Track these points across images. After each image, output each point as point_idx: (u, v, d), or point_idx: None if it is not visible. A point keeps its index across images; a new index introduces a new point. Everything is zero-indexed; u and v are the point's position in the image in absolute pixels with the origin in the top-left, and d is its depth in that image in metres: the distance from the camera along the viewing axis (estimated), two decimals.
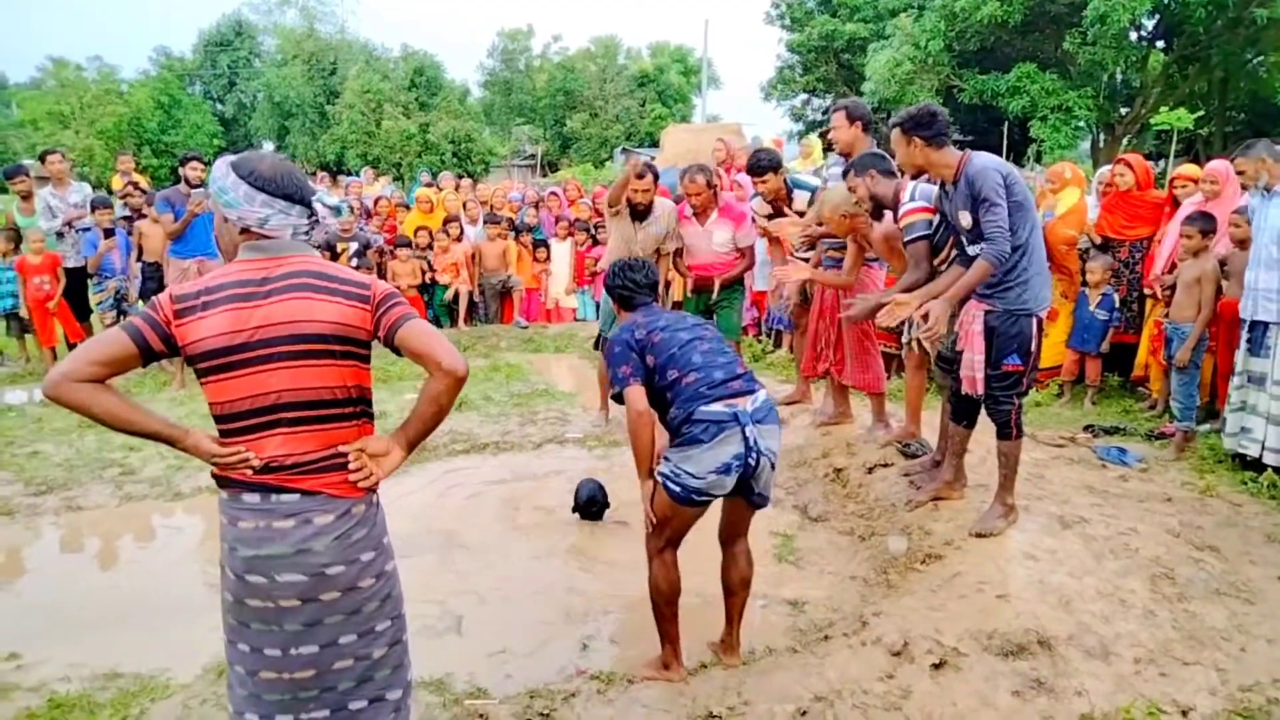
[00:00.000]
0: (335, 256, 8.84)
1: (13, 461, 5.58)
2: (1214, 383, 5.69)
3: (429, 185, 12.05)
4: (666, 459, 2.99)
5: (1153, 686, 2.88)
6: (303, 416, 2.08)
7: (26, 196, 8.20)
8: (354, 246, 9.03)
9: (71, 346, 7.90)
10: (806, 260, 5.41)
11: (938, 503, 4.23)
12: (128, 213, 8.34)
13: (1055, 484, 4.51)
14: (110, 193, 9.22)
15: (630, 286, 3.29)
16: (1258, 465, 4.73)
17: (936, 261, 4.13)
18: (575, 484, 4.85)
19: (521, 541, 4.54)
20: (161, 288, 7.65)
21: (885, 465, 4.86)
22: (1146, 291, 6.22)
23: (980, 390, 3.79)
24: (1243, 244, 5.16)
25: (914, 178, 4.05)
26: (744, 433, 2.89)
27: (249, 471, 2.08)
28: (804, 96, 32.78)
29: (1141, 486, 4.60)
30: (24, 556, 4.50)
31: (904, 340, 5.10)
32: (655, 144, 29.01)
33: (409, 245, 9.55)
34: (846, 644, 3.22)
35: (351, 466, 2.13)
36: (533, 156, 37.98)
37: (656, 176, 5.82)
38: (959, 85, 23.00)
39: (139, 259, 7.93)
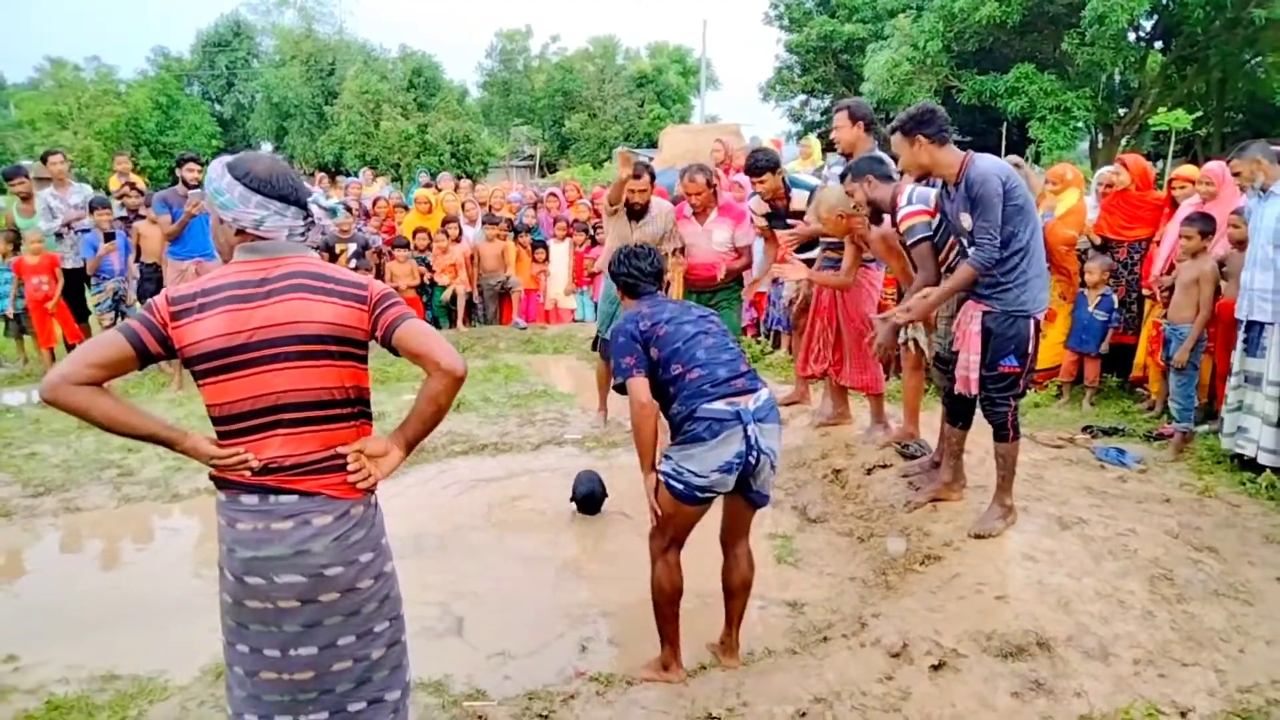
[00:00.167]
0: (334, 257, 8.83)
1: (10, 463, 5.58)
2: (1213, 383, 5.69)
3: (428, 186, 12.05)
4: (668, 457, 2.99)
5: (1152, 688, 2.88)
6: (301, 418, 2.08)
7: (26, 198, 8.20)
8: (353, 247, 9.02)
9: (70, 348, 7.90)
10: (810, 263, 5.40)
11: (936, 504, 4.23)
12: (124, 213, 8.33)
13: (1054, 485, 4.50)
14: (107, 193, 9.21)
15: (635, 274, 3.28)
16: (1256, 466, 4.73)
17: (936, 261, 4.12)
18: (579, 473, 4.86)
19: (520, 543, 4.54)
20: (160, 288, 7.64)
21: (884, 466, 4.85)
22: (1145, 292, 6.22)
23: (973, 390, 3.78)
24: (1241, 245, 5.17)
25: (919, 180, 4.04)
26: (745, 431, 2.89)
27: (248, 473, 2.08)
28: (802, 97, 32.80)
29: (1140, 487, 4.60)
30: (22, 558, 4.50)
31: (900, 340, 5.10)
32: (654, 144, 29.00)
33: (407, 246, 9.54)
34: (845, 645, 3.22)
35: (350, 467, 2.12)
36: (531, 157, 37.99)
37: (653, 176, 5.82)
38: (957, 86, 23.02)
39: (137, 260, 7.92)
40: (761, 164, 5.46)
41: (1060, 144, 21.00)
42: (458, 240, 9.84)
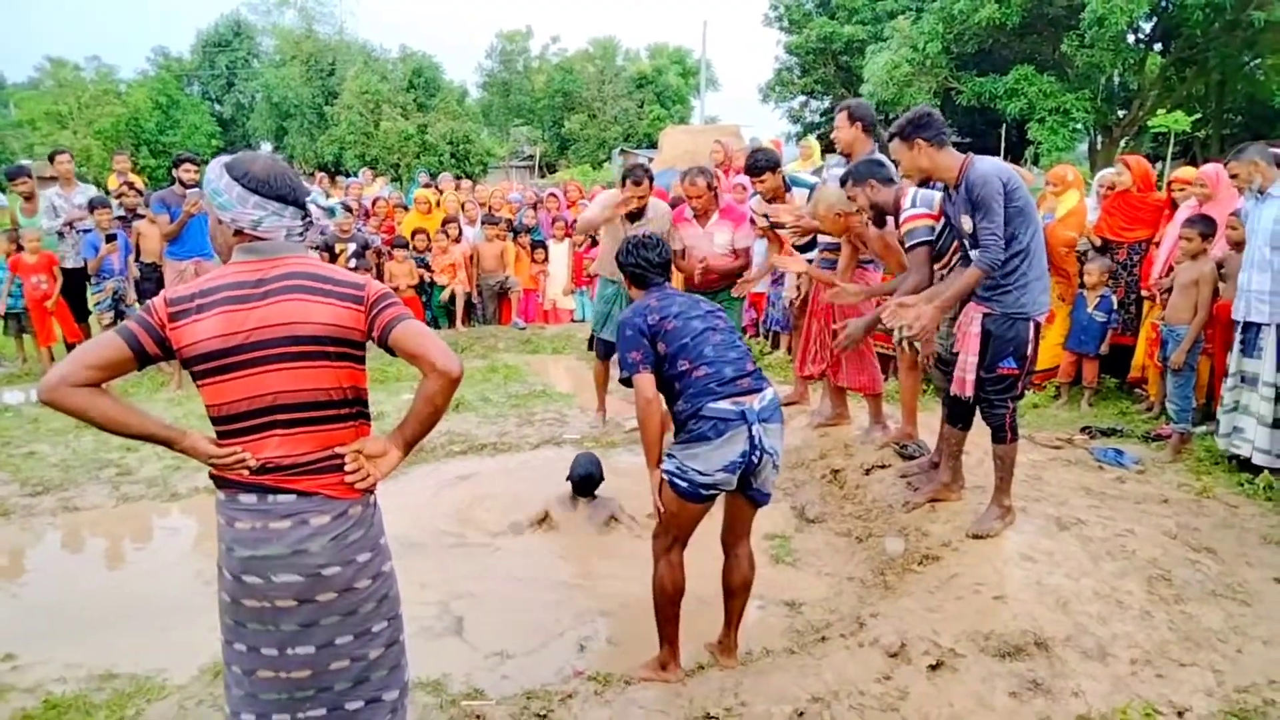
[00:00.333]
0: (334, 257, 8.83)
1: (9, 462, 5.58)
2: (1211, 384, 5.70)
3: (427, 186, 12.04)
4: (671, 455, 2.98)
5: (1149, 688, 2.89)
6: (299, 418, 2.09)
7: (29, 197, 8.19)
8: (352, 247, 9.01)
9: (70, 347, 7.90)
10: (809, 260, 5.40)
11: (935, 504, 4.23)
12: (123, 213, 8.33)
13: (1052, 485, 4.51)
14: (106, 193, 9.21)
15: (643, 264, 3.25)
16: (1254, 467, 4.73)
17: (939, 266, 4.12)
18: (577, 456, 4.84)
19: (519, 542, 4.54)
20: (159, 288, 7.64)
21: (882, 466, 4.86)
22: (1144, 293, 6.23)
23: (969, 392, 3.78)
24: (1239, 246, 5.17)
25: (920, 185, 4.03)
26: (750, 431, 2.89)
27: (245, 472, 2.09)
28: (802, 98, 32.81)
29: (1138, 488, 4.61)
30: (20, 557, 4.49)
31: (895, 340, 5.10)
32: (653, 145, 29.01)
33: (406, 246, 9.54)
34: (844, 645, 3.22)
35: (348, 468, 2.13)
36: (531, 157, 38.00)
37: (651, 180, 5.82)
38: (957, 87, 23.03)
39: (137, 260, 7.92)
40: (761, 164, 5.47)
41: (1059, 146, 21.01)
42: (457, 240, 9.84)
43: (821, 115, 31.81)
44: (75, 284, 8.00)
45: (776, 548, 4.37)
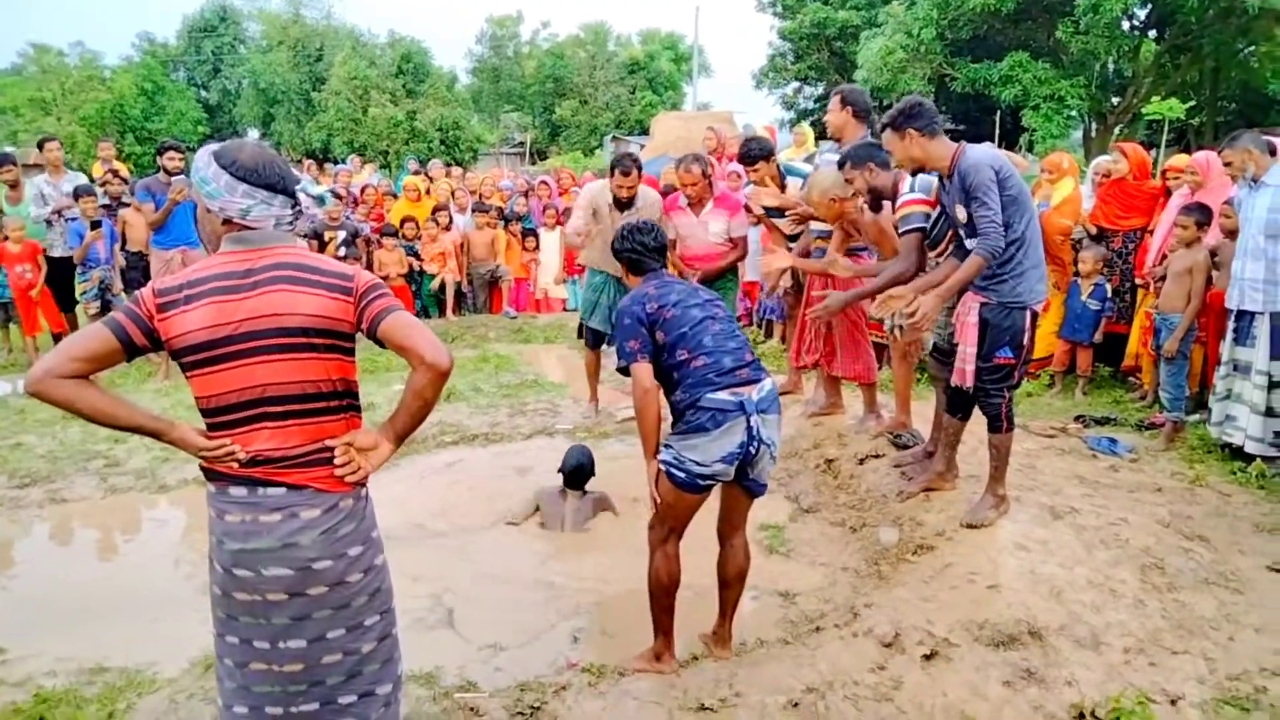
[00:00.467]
0: (323, 245, 8.77)
1: None
2: (1204, 373, 5.71)
3: (417, 174, 11.95)
4: (668, 445, 2.97)
5: (1142, 676, 2.89)
6: (288, 410, 2.06)
7: (14, 185, 8.10)
8: (341, 235, 8.96)
9: (57, 338, 7.85)
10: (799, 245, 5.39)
11: (929, 494, 4.23)
12: (108, 201, 8.25)
13: (1046, 474, 4.51)
14: (91, 180, 9.12)
15: (639, 249, 3.22)
16: (1246, 455, 4.75)
17: (935, 254, 4.11)
18: (569, 448, 4.82)
19: (511, 534, 4.52)
20: (146, 277, 7.58)
21: (876, 456, 4.85)
22: (1138, 282, 6.23)
23: (969, 382, 3.78)
24: (1232, 235, 5.17)
25: (913, 175, 4.01)
26: (748, 422, 2.87)
27: (235, 465, 2.07)
28: (796, 84, 32.73)
29: (1132, 477, 4.62)
30: (8, 550, 4.46)
31: (888, 329, 5.09)
32: (645, 131, 28.90)
33: (396, 234, 9.47)
34: (838, 635, 3.23)
35: (338, 460, 2.11)
36: (521, 144, 37.82)
37: (640, 169, 5.77)
38: (951, 74, 23.00)
39: (123, 248, 7.85)
40: (755, 153, 5.44)
41: (1054, 133, 21.03)
42: (447, 229, 9.77)
43: (815, 101, 31.72)
44: (64, 272, 7.92)
45: (770, 538, 4.36)
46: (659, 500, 3.03)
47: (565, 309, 10.31)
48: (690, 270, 5.69)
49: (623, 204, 5.72)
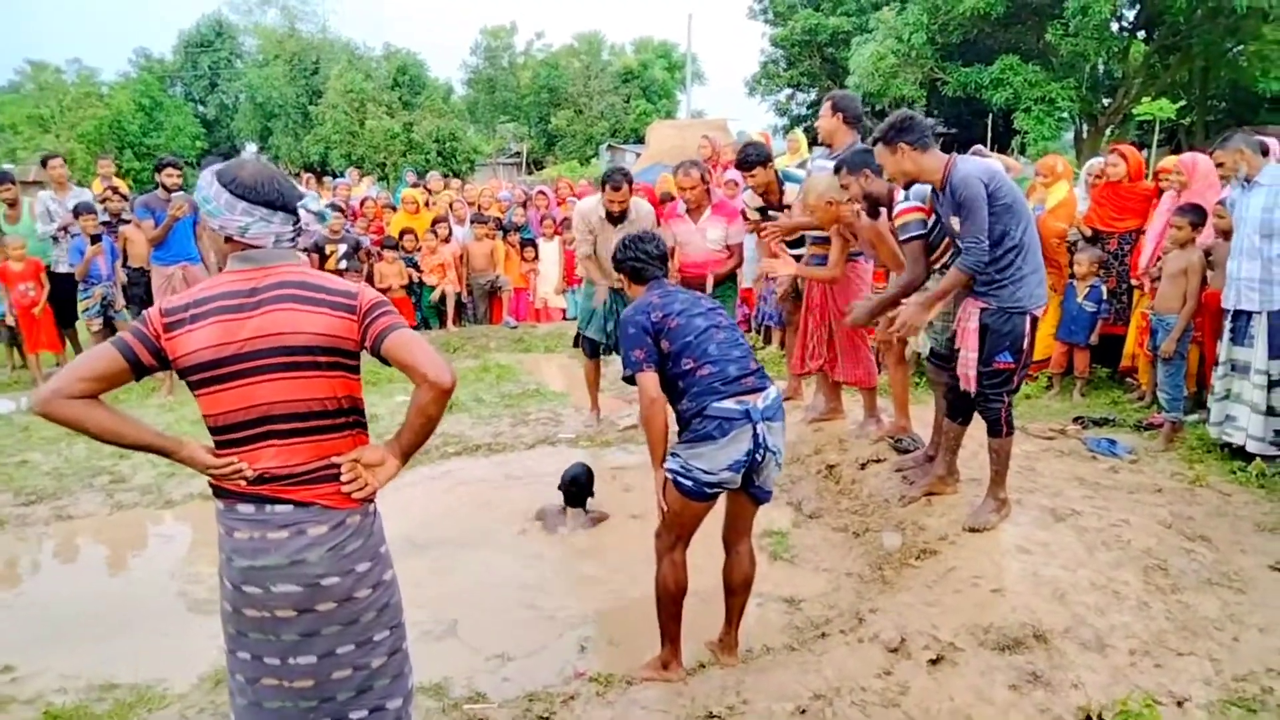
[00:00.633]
0: (324, 258, 8.80)
1: (1, 471, 5.54)
2: (1201, 372, 5.74)
3: (415, 186, 11.98)
4: (675, 454, 2.98)
5: (1148, 678, 2.91)
6: (294, 429, 2.08)
7: (12, 204, 8.11)
8: (343, 248, 8.99)
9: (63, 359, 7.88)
10: (798, 257, 5.41)
11: (931, 498, 4.25)
12: (108, 218, 8.27)
13: (1046, 476, 4.53)
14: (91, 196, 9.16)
15: (642, 258, 3.24)
16: (1245, 454, 4.76)
17: (933, 258, 4.13)
18: (569, 466, 4.83)
19: (516, 543, 4.54)
20: (148, 293, 7.61)
21: (878, 461, 4.87)
22: (1134, 283, 6.26)
23: (973, 387, 3.80)
24: (1226, 235, 5.21)
25: (906, 188, 4.04)
26: (755, 430, 2.89)
27: (243, 482, 2.08)
28: (788, 91, 32.72)
29: (1132, 478, 4.63)
30: (16, 567, 4.47)
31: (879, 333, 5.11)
32: (640, 140, 28.93)
33: (396, 247, 9.50)
34: (844, 641, 3.24)
35: (344, 477, 2.12)
36: (518, 154, 37.85)
37: (630, 183, 5.80)
38: (942, 78, 23.05)
39: (124, 265, 7.87)
40: (752, 158, 5.45)
41: (1045, 135, 21.06)
42: (447, 240, 9.80)
43: (808, 108, 31.76)
44: (66, 288, 7.94)
45: (774, 544, 4.37)
46: (665, 509, 3.05)
47: (565, 318, 10.33)
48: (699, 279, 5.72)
49: (615, 218, 5.74)
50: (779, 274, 5.35)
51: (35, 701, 3.18)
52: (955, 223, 3.65)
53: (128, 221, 7.93)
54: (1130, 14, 22.10)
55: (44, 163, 8.57)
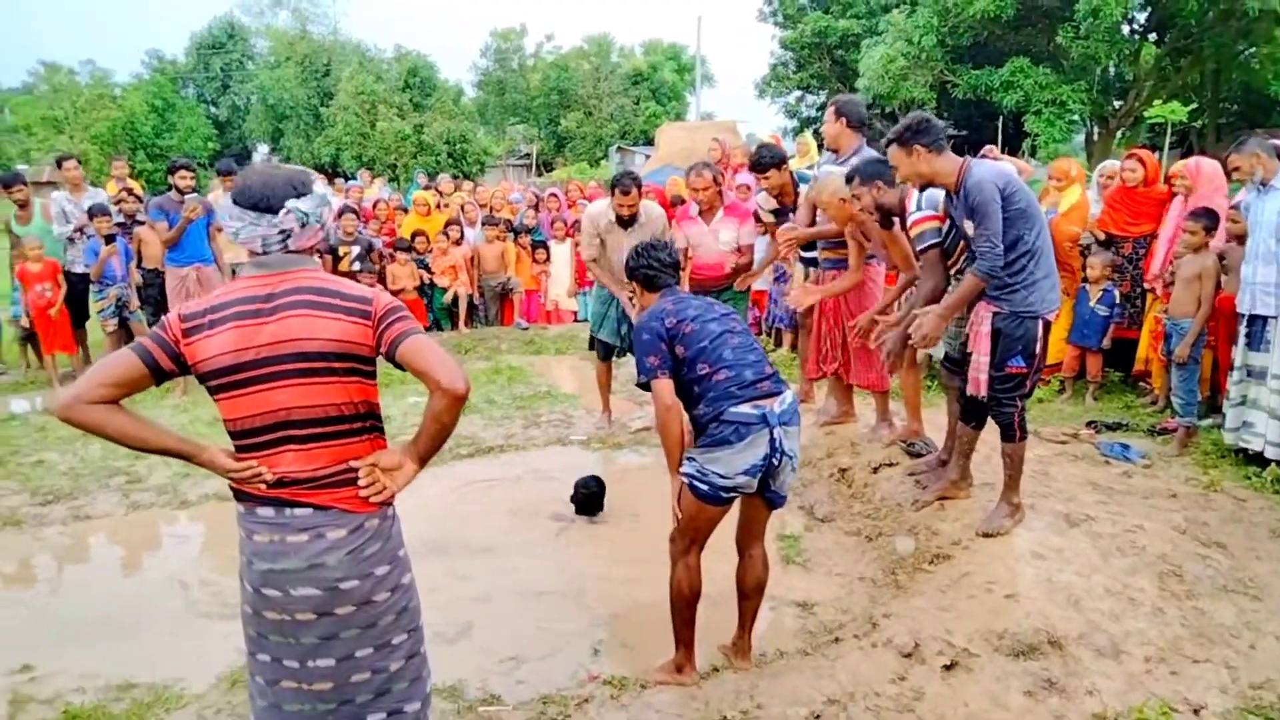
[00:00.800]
0: (338, 259, 8.84)
1: (18, 471, 5.58)
2: (1214, 377, 5.72)
3: (427, 188, 12.03)
4: (691, 458, 2.98)
5: (1164, 685, 2.90)
6: (312, 433, 2.09)
7: (23, 205, 8.17)
8: (356, 250, 9.03)
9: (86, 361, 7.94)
10: (812, 262, 5.40)
11: (944, 502, 4.24)
12: (123, 219, 8.32)
13: (1060, 481, 4.52)
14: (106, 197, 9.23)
15: (655, 266, 3.26)
16: (1260, 460, 4.74)
17: (949, 264, 4.12)
18: (581, 478, 4.95)
19: (529, 545, 4.55)
20: (162, 294, 7.65)
21: (890, 465, 4.87)
22: (1147, 287, 6.24)
23: (983, 391, 3.79)
24: (1240, 239, 5.19)
25: (922, 190, 4.04)
26: (771, 434, 2.90)
27: (262, 486, 2.10)
28: (798, 93, 32.78)
29: (1146, 483, 4.62)
30: (33, 567, 4.50)
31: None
32: (650, 142, 29.00)
33: (408, 249, 9.54)
34: (857, 646, 3.24)
35: (361, 481, 2.13)
36: (528, 156, 37.94)
37: (639, 187, 5.81)
38: (952, 80, 23.04)
39: (139, 266, 7.92)
40: (766, 160, 5.44)
41: (1056, 137, 21.05)
42: (458, 243, 9.84)
43: (818, 110, 31.76)
44: (81, 290, 8.01)
45: (787, 548, 4.38)
46: (680, 515, 3.06)
47: (576, 319, 10.36)
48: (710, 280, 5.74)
49: (625, 221, 5.76)
50: (803, 305, 5.31)
51: (54, 701, 3.21)
52: (969, 226, 3.65)
53: (142, 223, 7.98)
54: (1141, 16, 22.06)
55: (59, 164, 8.63)
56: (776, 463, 2.94)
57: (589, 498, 4.83)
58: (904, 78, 22.42)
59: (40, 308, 7.68)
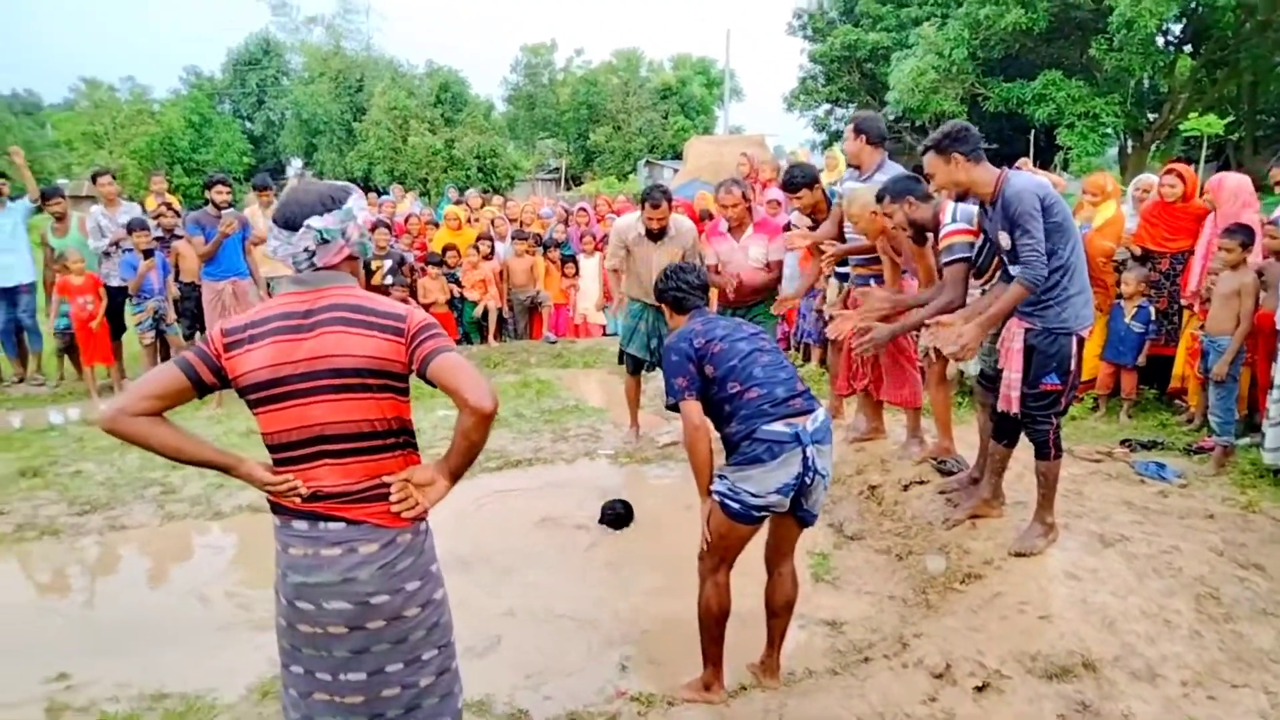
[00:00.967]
0: (370, 273, 8.95)
1: (57, 481, 5.68)
2: (1252, 395, 5.62)
3: (458, 203, 12.16)
4: (722, 476, 2.98)
5: (1201, 710, 2.85)
6: (347, 448, 2.12)
7: (60, 218, 8.35)
8: (388, 263, 9.13)
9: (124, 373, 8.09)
10: (845, 275, 5.38)
11: (975, 521, 4.20)
12: (161, 234, 8.49)
13: (1094, 500, 4.46)
14: (143, 212, 9.41)
15: (684, 288, 3.28)
16: None
17: (980, 282, 4.09)
18: (608, 500, 5.02)
19: (557, 559, 4.56)
20: (198, 307, 7.78)
21: (921, 482, 4.83)
22: (1184, 303, 6.15)
23: (1015, 409, 3.75)
24: (1279, 255, 5.11)
25: (956, 200, 4.01)
26: (804, 453, 2.89)
27: (297, 499, 2.13)
28: (827, 106, 32.68)
29: (1182, 503, 4.54)
30: (70, 576, 4.58)
31: (921, 353, 5.06)
32: (678, 156, 29.04)
33: (440, 263, 9.65)
34: (887, 665, 3.22)
35: (393, 496, 2.15)
36: (557, 170, 38.17)
37: (669, 200, 5.82)
38: (984, 93, 22.87)
39: (176, 279, 8.06)
40: (798, 180, 5.43)
41: (1089, 150, 20.79)
42: (488, 257, 9.93)
43: (847, 123, 31.66)
44: (117, 302, 8.17)
45: (816, 565, 4.35)
46: (709, 538, 3.04)
47: (604, 333, 10.39)
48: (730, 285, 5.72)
49: (654, 234, 5.78)
50: (842, 333, 5.25)
51: (89, 709, 3.26)
52: (1004, 239, 3.61)
53: (180, 237, 8.13)
54: (1177, 28, 21.76)
55: (94, 179, 8.78)
56: (809, 481, 2.92)
57: (615, 519, 4.90)
58: (934, 91, 22.28)
59: (82, 320, 7.84)
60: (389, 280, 8.95)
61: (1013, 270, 3.62)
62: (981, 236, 3.98)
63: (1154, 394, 6.68)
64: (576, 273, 10.44)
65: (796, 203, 5.53)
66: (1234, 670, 3.05)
